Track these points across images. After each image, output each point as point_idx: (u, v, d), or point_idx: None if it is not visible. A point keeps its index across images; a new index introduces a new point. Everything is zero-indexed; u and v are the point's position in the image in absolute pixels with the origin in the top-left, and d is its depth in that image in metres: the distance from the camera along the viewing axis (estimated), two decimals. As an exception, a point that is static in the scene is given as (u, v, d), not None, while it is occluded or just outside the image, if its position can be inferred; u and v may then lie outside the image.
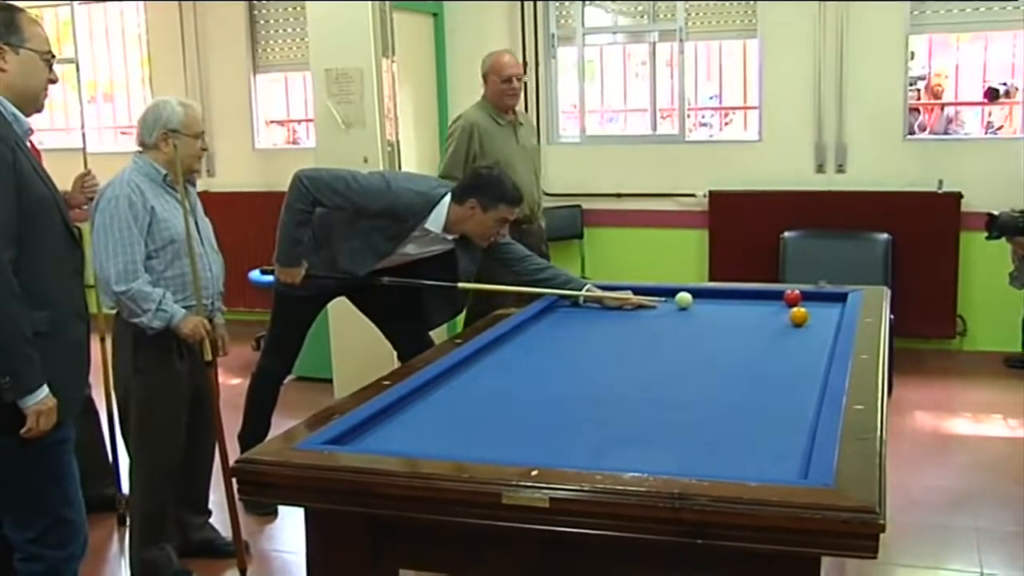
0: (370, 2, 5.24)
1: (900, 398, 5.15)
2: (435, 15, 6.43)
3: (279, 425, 4.00)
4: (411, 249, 3.87)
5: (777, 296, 3.66)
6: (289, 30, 7.20)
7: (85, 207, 3.72)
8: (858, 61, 5.96)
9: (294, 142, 7.82)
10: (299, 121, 7.79)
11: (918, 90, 6.82)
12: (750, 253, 6.12)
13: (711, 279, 6.11)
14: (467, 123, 4.86)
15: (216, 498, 3.75)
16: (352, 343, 5.19)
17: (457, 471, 2.05)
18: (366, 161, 5.21)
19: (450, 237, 3.84)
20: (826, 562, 1.90)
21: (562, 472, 1.99)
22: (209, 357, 3.37)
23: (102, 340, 3.86)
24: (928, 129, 6.76)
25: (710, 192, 6.27)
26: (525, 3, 6.50)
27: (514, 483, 1.96)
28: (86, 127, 4.60)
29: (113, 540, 3.92)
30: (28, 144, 2.64)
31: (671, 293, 3.77)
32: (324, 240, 3.89)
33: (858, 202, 5.97)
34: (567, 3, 6.63)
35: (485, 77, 4.95)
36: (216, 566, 3.60)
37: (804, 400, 2.49)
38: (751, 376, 2.86)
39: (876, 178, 5.98)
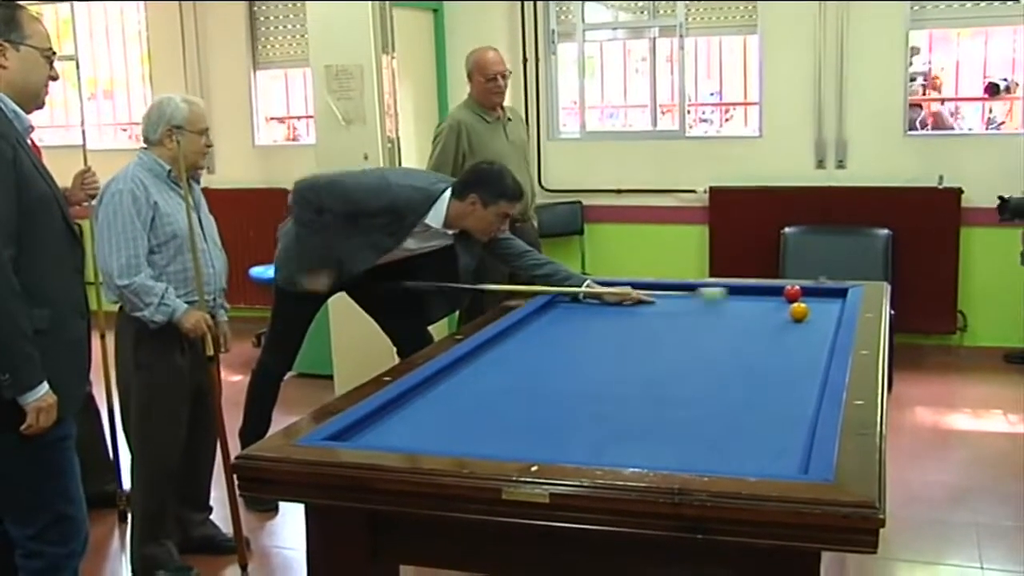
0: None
1: (900, 393, 5.15)
2: (435, 11, 6.43)
3: (280, 421, 4.00)
4: (411, 244, 3.87)
5: (778, 292, 3.66)
6: (289, 26, 7.19)
7: (85, 204, 3.73)
8: (858, 57, 5.95)
9: (293, 139, 7.83)
10: (299, 118, 7.79)
11: (924, 86, 6.82)
12: (750, 249, 6.11)
13: (711, 275, 6.10)
14: (454, 122, 4.84)
15: (217, 494, 3.75)
16: (352, 339, 5.19)
17: (457, 467, 2.05)
18: (366, 158, 5.20)
19: (450, 232, 3.84)
20: (826, 557, 1.90)
21: (562, 468, 1.99)
22: (211, 353, 3.38)
23: (102, 337, 3.87)
24: (929, 125, 6.76)
25: (710, 188, 6.26)
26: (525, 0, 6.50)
27: (514, 479, 1.96)
28: (86, 124, 4.60)
29: (114, 536, 3.93)
30: (29, 141, 2.64)
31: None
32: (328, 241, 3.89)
33: (858, 198, 5.97)
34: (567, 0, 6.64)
35: (469, 76, 4.91)
36: (217, 562, 3.60)
37: (804, 396, 2.49)
38: (751, 372, 2.86)
39: (876, 174, 5.97)
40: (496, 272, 4.14)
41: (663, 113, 6.94)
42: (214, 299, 3.43)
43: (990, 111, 7.11)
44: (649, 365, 3.03)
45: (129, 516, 3.60)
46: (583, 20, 6.64)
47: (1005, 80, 6.45)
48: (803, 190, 6.08)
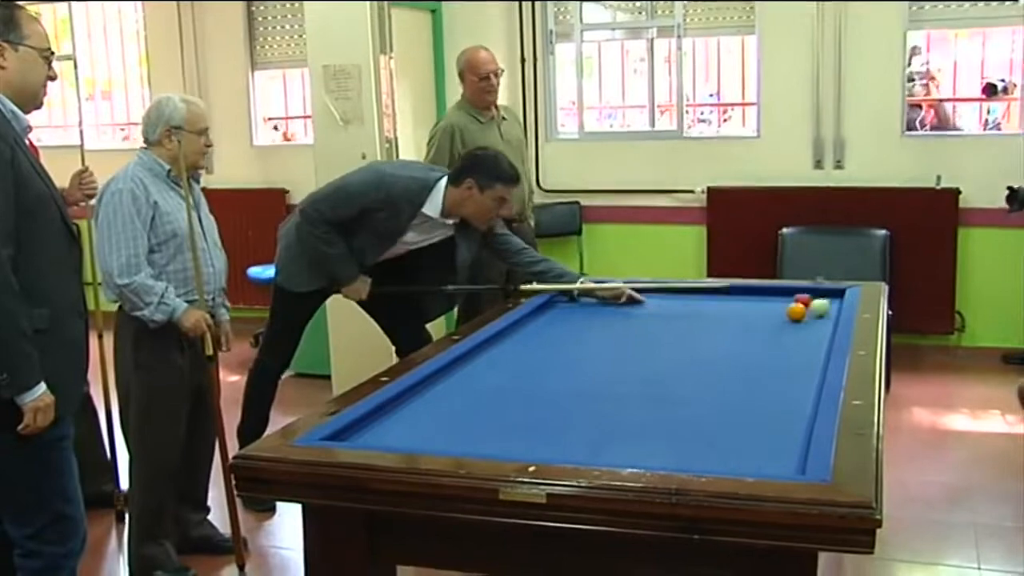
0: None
1: (898, 394, 5.16)
2: (433, 11, 6.43)
3: (277, 421, 4.01)
4: (411, 237, 3.87)
5: (777, 291, 3.67)
6: (287, 26, 7.19)
7: (83, 204, 3.73)
8: (856, 57, 5.96)
9: (287, 139, 7.79)
10: (294, 118, 7.78)
11: (926, 85, 6.82)
12: (748, 249, 6.12)
13: (709, 275, 6.10)
14: (448, 124, 4.83)
15: (215, 494, 3.76)
16: (350, 340, 5.20)
17: (455, 467, 2.05)
18: (364, 157, 5.19)
19: (449, 222, 3.84)
20: (823, 558, 1.90)
21: (559, 468, 1.99)
22: (210, 352, 3.38)
23: (100, 337, 3.87)
24: (928, 125, 6.75)
25: (708, 188, 6.27)
26: (523, 0, 6.49)
27: (511, 479, 1.96)
28: (84, 124, 4.60)
29: (112, 536, 3.93)
30: (27, 141, 2.65)
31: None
32: None
33: (856, 198, 5.97)
34: (565, 0, 6.63)
35: (461, 76, 4.88)
36: (215, 562, 3.61)
37: (801, 396, 2.49)
38: (749, 372, 2.86)
39: (874, 174, 5.98)
40: (493, 268, 4.15)
41: (661, 113, 6.95)
42: (213, 298, 3.43)
43: (988, 112, 7.11)
44: (647, 365, 3.03)
45: (127, 516, 3.60)
46: (581, 20, 6.64)
47: (1003, 81, 6.44)
48: (801, 190, 6.08)
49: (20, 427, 2.48)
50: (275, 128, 7.68)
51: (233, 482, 2.30)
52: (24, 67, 2.58)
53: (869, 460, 2.00)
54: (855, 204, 5.96)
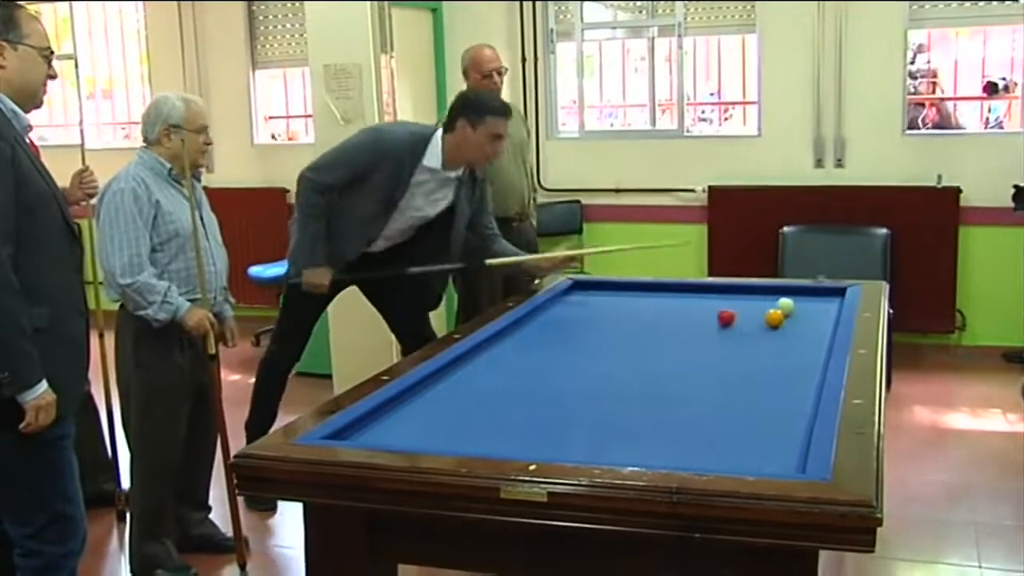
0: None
1: (899, 393, 5.16)
2: (434, 11, 6.42)
3: (279, 420, 4.02)
4: (419, 203, 3.88)
5: (777, 292, 3.66)
6: (288, 26, 7.20)
7: (83, 204, 3.73)
8: (857, 56, 5.95)
9: (291, 138, 7.80)
10: (294, 117, 7.78)
11: (934, 82, 6.82)
12: (749, 248, 6.12)
13: (710, 274, 6.11)
14: None
15: (216, 493, 3.75)
16: (352, 339, 5.20)
17: (456, 466, 2.05)
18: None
19: (452, 175, 3.84)
20: (824, 556, 1.90)
21: (561, 467, 1.99)
22: (213, 351, 3.38)
23: (101, 336, 3.87)
24: (930, 124, 6.76)
25: (709, 187, 6.27)
26: (524, -1, 6.51)
27: (512, 477, 1.96)
28: (85, 123, 4.60)
29: (112, 536, 3.93)
30: (27, 140, 2.65)
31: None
32: (334, 229, 3.89)
33: (857, 197, 5.97)
34: (566, -1, 6.64)
35: (465, 73, 4.87)
36: (216, 561, 3.61)
37: (802, 395, 2.49)
38: (749, 371, 2.87)
39: (875, 173, 5.98)
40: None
41: (662, 112, 6.94)
42: (215, 297, 3.43)
43: (989, 110, 7.11)
44: (648, 364, 3.03)
45: (128, 515, 3.60)
46: (582, 19, 6.64)
47: (1004, 79, 6.45)
48: (802, 189, 6.08)
49: (22, 426, 2.48)
50: (273, 137, 7.67)
51: (234, 481, 2.29)
52: (24, 66, 2.58)
53: (870, 459, 2.00)
54: (856, 203, 5.96)
